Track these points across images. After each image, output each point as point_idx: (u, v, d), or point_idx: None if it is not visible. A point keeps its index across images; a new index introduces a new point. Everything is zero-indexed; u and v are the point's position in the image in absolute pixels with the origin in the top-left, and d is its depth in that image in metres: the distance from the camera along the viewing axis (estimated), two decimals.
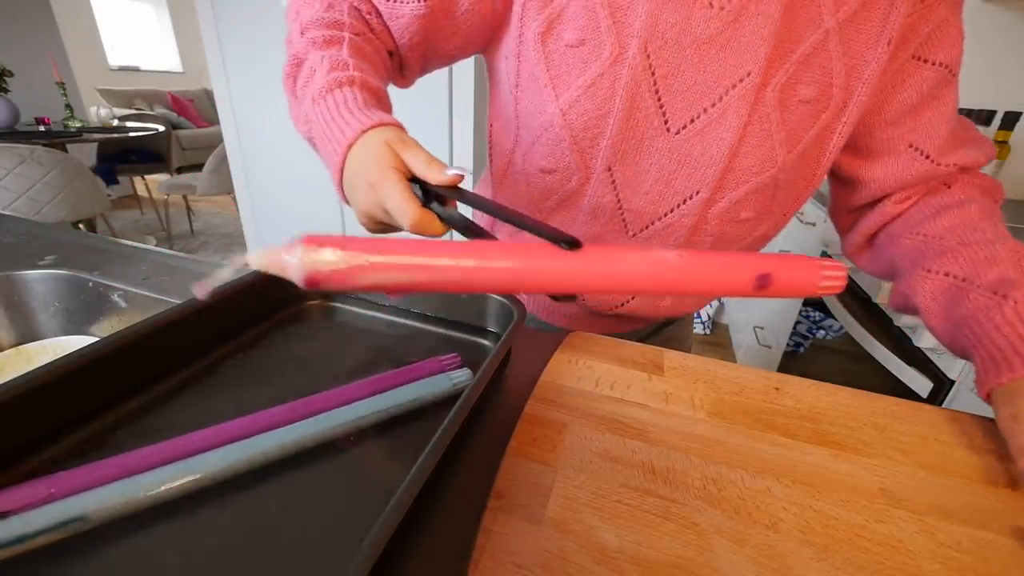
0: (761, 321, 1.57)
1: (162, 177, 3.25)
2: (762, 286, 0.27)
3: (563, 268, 0.25)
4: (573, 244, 0.26)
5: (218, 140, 2.10)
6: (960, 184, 0.45)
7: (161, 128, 2.75)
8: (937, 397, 0.72)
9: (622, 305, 0.51)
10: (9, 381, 0.25)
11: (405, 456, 0.29)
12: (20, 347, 0.46)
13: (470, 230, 0.31)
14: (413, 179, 0.30)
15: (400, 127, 0.33)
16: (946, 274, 0.40)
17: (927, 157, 0.43)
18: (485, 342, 0.41)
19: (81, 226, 2.03)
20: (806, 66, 0.38)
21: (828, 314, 1.06)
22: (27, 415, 0.26)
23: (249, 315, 0.40)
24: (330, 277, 0.23)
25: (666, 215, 0.44)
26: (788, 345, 1.30)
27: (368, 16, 0.42)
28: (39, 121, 2.46)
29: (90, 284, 0.49)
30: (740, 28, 0.36)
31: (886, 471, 0.30)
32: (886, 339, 0.85)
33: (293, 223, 1.94)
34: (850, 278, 1.00)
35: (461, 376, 0.35)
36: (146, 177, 3.17)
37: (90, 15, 4.06)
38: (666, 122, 0.40)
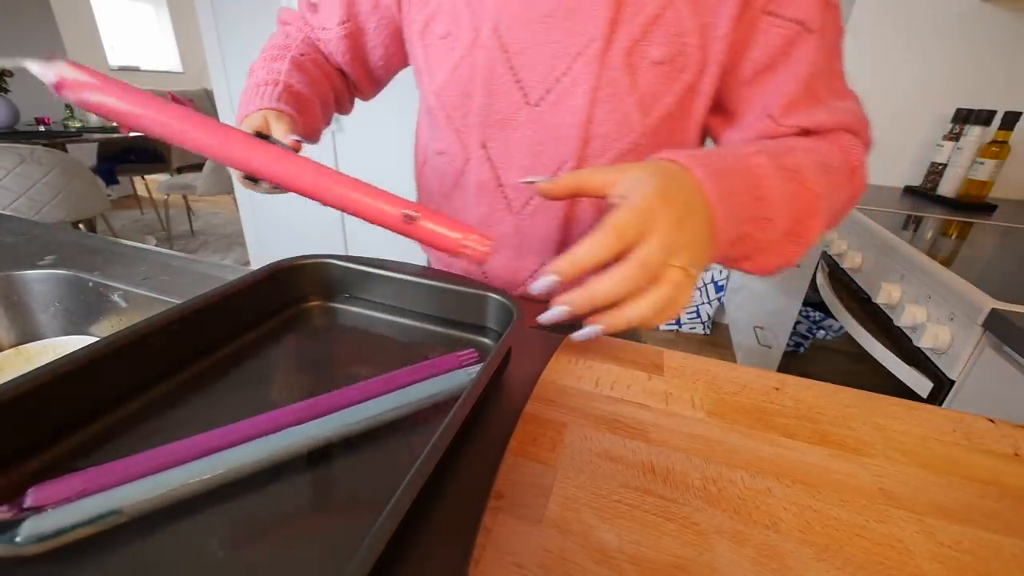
0: (761, 321, 1.57)
1: (162, 177, 3.25)
2: (409, 221, 0.34)
3: (245, 151, 0.33)
4: (264, 137, 0.35)
5: None
6: (813, 138, 0.41)
7: None
8: (937, 397, 0.72)
9: (521, 285, 0.53)
10: (9, 381, 0.25)
11: (406, 456, 0.29)
12: (20, 347, 0.46)
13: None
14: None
15: (290, 115, 0.42)
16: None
17: (770, 116, 0.41)
18: (485, 341, 0.41)
19: (81, 226, 2.03)
20: (654, 27, 0.38)
21: (828, 314, 1.06)
22: (27, 415, 0.26)
23: (250, 316, 0.40)
24: (69, 85, 0.30)
25: None
26: (788, 345, 1.30)
27: (319, 43, 0.52)
28: (39, 121, 2.46)
29: (90, 284, 0.49)
30: None
31: (886, 471, 0.30)
32: (886, 339, 0.85)
33: (293, 222, 1.94)
34: (850, 278, 1.00)
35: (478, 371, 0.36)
36: (146, 177, 3.17)
37: (90, 15, 4.05)
38: (525, 95, 0.43)
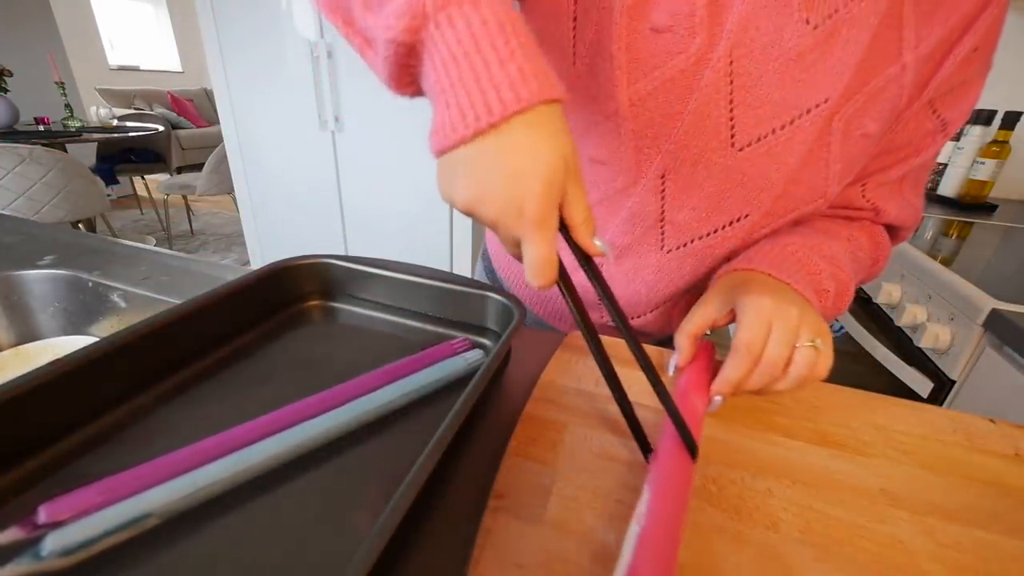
0: None
1: (162, 177, 3.25)
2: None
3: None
4: (648, 451, 0.29)
5: (218, 140, 2.10)
6: (861, 223, 0.45)
7: (161, 128, 2.74)
8: (937, 397, 0.71)
9: (636, 318, 0.50)
10: (9, 381, 0.25)
11: (407, 453, 0.29)
12: (19, 347, 0.46)
13: (575, 301, 0.28)
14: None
15: (562, 100, 0.25)
16: (786, 236, 0.42)
17: (863, 185, 0.43)
18: (485, 342, 0.41)
19: (81, 226, 2.03)
20: (875, 100, 0.35)
21: None
22: (27, 415, 0.26)
23: (250, 315, 0.40)
24: None
25: (708, 235, 0.42)
26: None
27: None
28: (39, 121, 2.46)
29: (90, 284, 0.49)
30: (829, 51, 0.33)
31: (886, 471, 0.30)
32: (886, 339, 0.85)
33: (293, 223, 1.94)
34: None
35: (475, 356, 0.36)
36: (146, 177, 3.17)
37: (90, 15, 4.06)
38: (732, 136, 0.37)
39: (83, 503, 0.22)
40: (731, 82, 0.35)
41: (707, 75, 0.35)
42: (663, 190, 0.41)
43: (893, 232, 0.47)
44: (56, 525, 0.21)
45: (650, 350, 0.42)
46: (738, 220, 0.41)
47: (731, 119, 0.36)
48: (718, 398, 0.33)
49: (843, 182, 0.39)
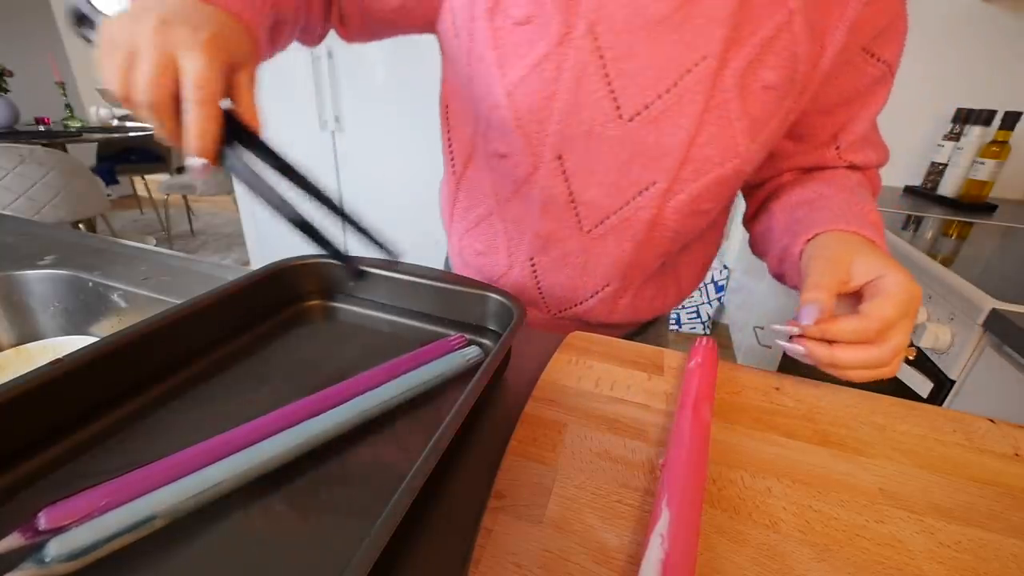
0: (761, 321, 1.57)
1: (162, 177, 3.24)
2: None
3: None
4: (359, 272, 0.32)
5: None
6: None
7: None
8: (937, 397, 0.71)
9: (578, 304, 0.51)
10: (8, 382, 0.25)
11: (407, 453, 0.29)
12: (20, 347, 0.46)
13: (253, 187, 0.30)
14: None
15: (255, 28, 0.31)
16: (813, 191, 0.43)
17: (837, 148, 0.44)
18: (485, 342, 0.41)
19: (81, 226, 2.03)
20: (769, 50, 0.36)
21: None
22: (27, 415, 0.26)
23: (250, 315, 0.40)
24: None
25: (622, 208, 0.43)
26: None
27: None
28: (39, 121, 2.46)
29: (90, 284, 0.49)
30: (693, 9, 0.34)
31: (886, 471, 0.30)
32: None
33: None
34: None
35: (472, 352, 0.37)
36: (146, 177, 3.17)
37: None
38: (618, 108, 0.38)
39: (84, 507, 0.22)
40: (601, 56, 0.36)
41: (572, 54, 0.37)
42: (564, 171, 0.42)
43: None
44: (57, 530, 0.21)
45: (649, 351, 0.42)
46: (647, 189, 0.42)
47: (612, 91, 0.38)
48: (809, 320, 0.31)
49: (758, 138, 0.39)
